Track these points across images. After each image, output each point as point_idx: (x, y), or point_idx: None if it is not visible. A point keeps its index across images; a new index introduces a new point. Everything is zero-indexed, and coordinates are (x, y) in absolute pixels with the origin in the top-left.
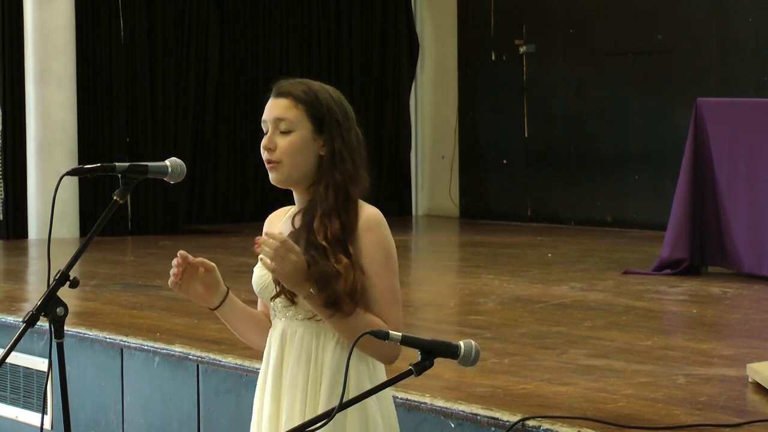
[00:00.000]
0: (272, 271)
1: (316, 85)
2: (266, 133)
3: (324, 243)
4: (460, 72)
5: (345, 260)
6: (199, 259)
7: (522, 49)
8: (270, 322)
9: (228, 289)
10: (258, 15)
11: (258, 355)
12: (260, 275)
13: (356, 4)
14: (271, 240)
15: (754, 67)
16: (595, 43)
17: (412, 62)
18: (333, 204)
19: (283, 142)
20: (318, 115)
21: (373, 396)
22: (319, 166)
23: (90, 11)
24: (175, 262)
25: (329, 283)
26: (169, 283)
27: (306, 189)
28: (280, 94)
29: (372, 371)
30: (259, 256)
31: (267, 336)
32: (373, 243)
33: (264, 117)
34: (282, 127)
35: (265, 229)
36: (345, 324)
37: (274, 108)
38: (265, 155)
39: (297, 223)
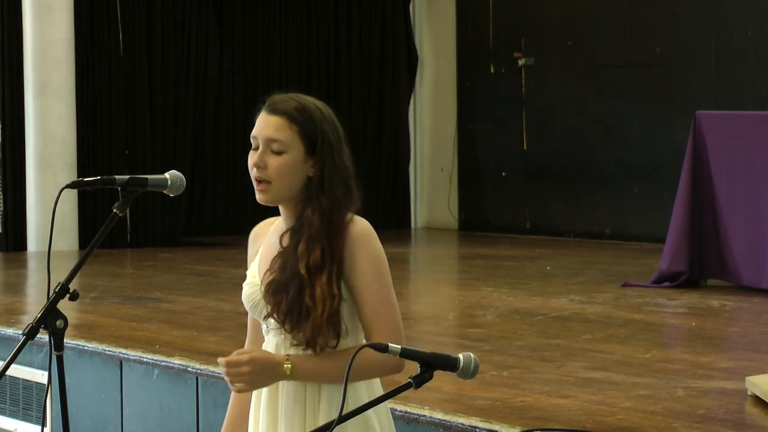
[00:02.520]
0: (239, 391)
1: (310, 103)
2: (255, 148)
3: (303, 272)
4: (458, 85)
5: (319, 291)
6: None
7: (521, 62)
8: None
9: None
10: (257, 28)
11: None
12: (250, 293)
13: (355, 18)
14: (221, 367)
15: (752, 80)
16: (594, 56)
17: (411, 75)
18: (317, 229)
19: (274, 162)
20: (312, 137)
21: (372, 410)
22: (306, 186)
23: (89, 24)
24: None
25: (300, 320)
26: None
27: (295, 206)
28: (274, 111)
29: (369, 385)
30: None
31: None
32: (364, 256)
33: (254, 133)
34: (274, 147)
35: (250, 244)
36: (334, 360)
37: (267, 126)
38: (254, 173)
39: (285, 242)
